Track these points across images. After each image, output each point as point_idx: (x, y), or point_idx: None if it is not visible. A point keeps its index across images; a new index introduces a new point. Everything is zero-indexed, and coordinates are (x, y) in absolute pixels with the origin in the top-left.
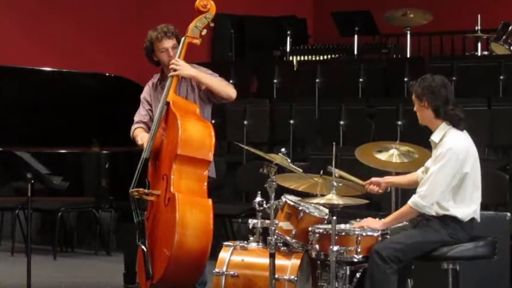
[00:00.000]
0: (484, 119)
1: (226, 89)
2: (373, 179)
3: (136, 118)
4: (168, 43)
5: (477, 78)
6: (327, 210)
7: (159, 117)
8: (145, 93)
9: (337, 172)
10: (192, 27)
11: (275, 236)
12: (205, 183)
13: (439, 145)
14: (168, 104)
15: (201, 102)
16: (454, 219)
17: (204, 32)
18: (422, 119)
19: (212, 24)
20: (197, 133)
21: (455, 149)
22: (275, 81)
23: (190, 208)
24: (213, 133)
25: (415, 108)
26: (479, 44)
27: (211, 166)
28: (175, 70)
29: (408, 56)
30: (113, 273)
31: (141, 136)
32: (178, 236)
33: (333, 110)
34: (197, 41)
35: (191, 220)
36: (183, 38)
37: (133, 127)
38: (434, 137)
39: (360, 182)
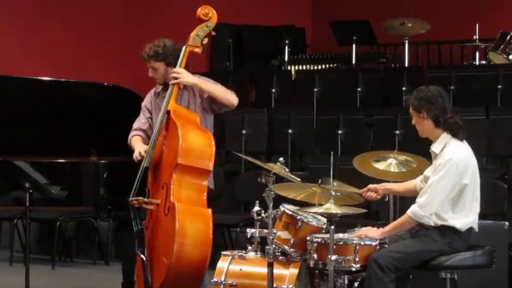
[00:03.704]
0: (482, 128)
1: (228, 96)
2: (371, 186)
3: (135, 125)
4: (150, 64)
5: (475, 87)
6: (325, 220)
7: (160, 126)
8: (147, 101)
9: (335, 184)
10: (193, 36)
11: (273, 245)
12: (205, 193)
13: (439, 155)
14: (168, 112)
15: (203, 111)
16: (452, 229)
17: (206, 40)
18: (423, 131)
19: (213, 33)
20: (198, 142)
21: (455, 160)
22: (273, 90)
23: (190, 218)
24: (213, 143)
25: (413, 122)
26: (477, 53)
27: (210, 177)
28: (176, 78)
29: (406, 65)
30: (111, 282)
31: (137, 146)
32: (177, 245)
33: (331, 119)
34: (198, 50)
35: (191, 229)
36: (184, 47)
37: (131, 134)
38: (435, 148)
39: (357, 190)
